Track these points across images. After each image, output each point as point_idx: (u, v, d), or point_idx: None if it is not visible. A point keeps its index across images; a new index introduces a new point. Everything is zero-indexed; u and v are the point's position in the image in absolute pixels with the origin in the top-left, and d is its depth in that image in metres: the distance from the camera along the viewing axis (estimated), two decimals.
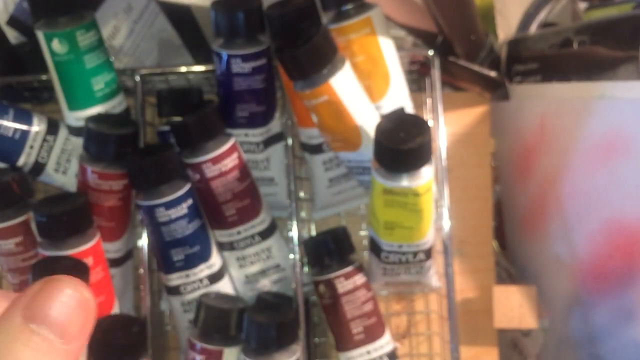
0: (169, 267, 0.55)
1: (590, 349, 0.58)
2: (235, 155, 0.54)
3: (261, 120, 0.56)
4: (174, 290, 0.56)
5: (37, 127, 0.56)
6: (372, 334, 0.56)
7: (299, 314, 0.54)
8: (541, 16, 0.66)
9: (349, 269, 0.55)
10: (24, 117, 0.56)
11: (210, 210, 0.55)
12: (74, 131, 0.55)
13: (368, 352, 0.56)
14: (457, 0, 0.57)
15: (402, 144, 0.47)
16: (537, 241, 0.63)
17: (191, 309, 0.56)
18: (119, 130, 0.53)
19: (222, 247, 0.57)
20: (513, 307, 0.60)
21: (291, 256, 0.57)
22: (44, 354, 0.20)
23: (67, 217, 0.50)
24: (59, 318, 0.21)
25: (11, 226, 0.53)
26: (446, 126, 0.62)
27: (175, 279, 0.55)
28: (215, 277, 0.56)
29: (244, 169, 0.54)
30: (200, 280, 0.55)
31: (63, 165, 0.58)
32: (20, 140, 0.55)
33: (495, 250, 0.68)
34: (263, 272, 0.57)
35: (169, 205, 0.52)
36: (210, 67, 0.57)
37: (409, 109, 0.56)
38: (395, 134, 0.47)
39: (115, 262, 0.56)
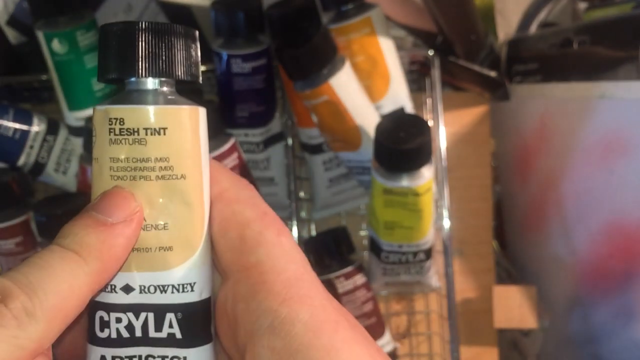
0: None
1: (591, 349, 0.58)
2: (235, 155, 0.54)
3: (261, 120, 0.56)
4: None
5: (37, 127, 0.56)
6: (372, 334, 0.56)
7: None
8: (541, 16, 0.66)
9: (349, 269, 0.55)
10: (24, 117, 0.56)
11: None
12: (74, 131, 0.55)
13: None
14: (457, 0, 0.57)
15: (402, 144, 0.47)
16: (537, 241, 0.63)
17: None
18: None
19: None
20: (513, 307, 0.60)
21: None
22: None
23: (67, 217, 0.49)
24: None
25: (11, 226, 0.53)
26: (446, 126, 0.62)
27: None
28: None
29: (244, 169, 0.54)
30: None
31: (63, 165, 0.58)
32: (20, 140, 0.55)
33: (495, 250, 0.68)
34: None
35: None
36: (210, 67, 0.57)
37: (409, 109, 0.56)
38: (395, 134, 0.47)
39: None
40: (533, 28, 0.66)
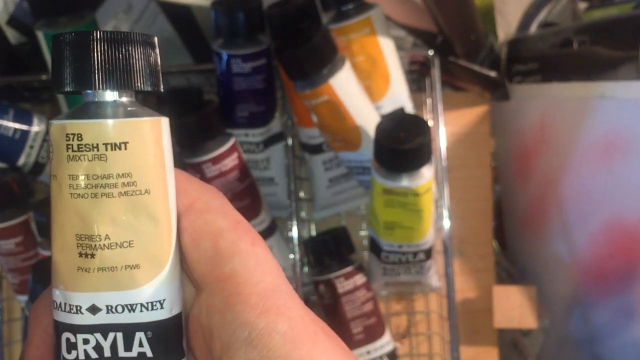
0: None
1: (591, 349, 0.58)
2: (235, 155, 0.54)
3: (261, 120, 0.56)
4: None
5: (37, 127, 0.56)
6: (372, 334, 0.56)
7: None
8: (541, 16, 0.66)
9: (349, 269, 0.55)
10: (24, 117, 0.56)
11: None
12: None
13: (368, 352, 0.56)
14: (457, 0, 0.57)
15: (402, 144, 0.47)
16: (537, 241, 0.63)
17: None
18: None
19: None
20: (513, 307, 0.60)
21: (291, 256, 0.57)
22: None
23: None
24: None
25: (11, 226, 0.53)
26: (446, 126, 0.62)
27: None
28: None
29: (244, 169, 0.54)
30: None
31: None
32: (20, 140, 0.55)
33: (495, 250, 0.68)
34: None
35: None
36: (210, 67, 0.57)
37: (409, 109, 0.56)
38: (395, 134, 0.47)
39: None
40: (533, 28, 0.66)
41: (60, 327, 0.23)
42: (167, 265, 0.23)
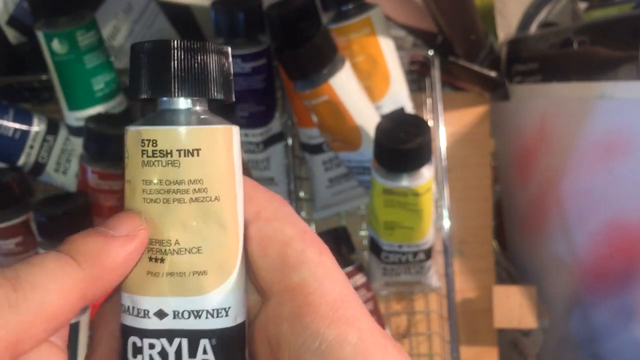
0: None
1: (591, 348, 0.58)
2: None
3: (261, 120, 0.56)
4: None
5: (37, 127, 0.56)
6: None
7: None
8: (541, 16, 0.66)
9: (349, 269, 0.55)
10: (24, 117, 0.56)
11: None
12: (74, 131, 0.55)
13: None
14: (457, 0, 0.57)
15: (402, 144, 0.47)
16: (537, 241, 0.63)
17: None
18: (119, 130, 0.53)
19: None
20: (513, 307, 0.60)
21: None
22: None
23: (67, 217, 0.50)
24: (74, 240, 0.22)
25: (11, 226, 0.53)
26: (446, 126, 0.62)
27: None
28: None
29: (244, 169, 0.54)
30: None
31: (63, 165, 0.58)
32: (20, 140, 0.55)
33: (495, 250, 0.68)
34: None
35: None
36: None
37: (409, 109, 0.56)
38: (395, 134, 0.47)
39: None
40: (533, 28, 0.66)
41: (127, 331, 0.23)
42: (234, 273, 0.23)
